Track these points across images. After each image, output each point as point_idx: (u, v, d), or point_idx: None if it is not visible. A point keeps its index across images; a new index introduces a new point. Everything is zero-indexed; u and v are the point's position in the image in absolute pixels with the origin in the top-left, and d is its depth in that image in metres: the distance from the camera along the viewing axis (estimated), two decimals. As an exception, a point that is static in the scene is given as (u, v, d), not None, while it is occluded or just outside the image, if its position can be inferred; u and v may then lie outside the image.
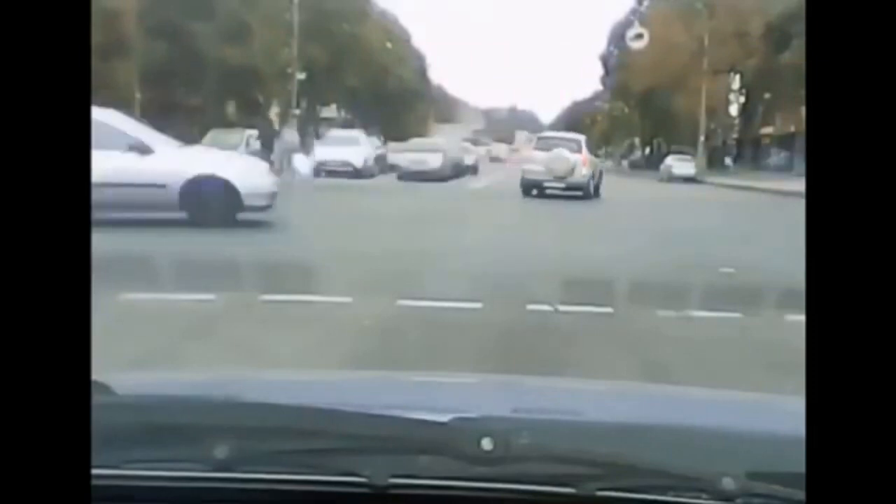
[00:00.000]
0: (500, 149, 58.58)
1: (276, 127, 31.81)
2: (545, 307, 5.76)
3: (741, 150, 51.11)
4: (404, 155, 28.40)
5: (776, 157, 45.96)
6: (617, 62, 54.20)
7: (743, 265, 8.03)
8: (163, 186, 10.39)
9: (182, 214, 10.45)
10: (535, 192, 19.89)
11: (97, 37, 15.17)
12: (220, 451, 0.89)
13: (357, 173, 26.06)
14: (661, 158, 41.96)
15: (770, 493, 0.88)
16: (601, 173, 22.41)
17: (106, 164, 7.65)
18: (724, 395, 1.60)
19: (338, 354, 4.61)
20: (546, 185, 19.89)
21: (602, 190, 21.16)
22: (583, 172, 19.84)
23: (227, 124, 34.60)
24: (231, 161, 12.09)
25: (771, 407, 1.39)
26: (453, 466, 0.89)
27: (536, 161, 20.11)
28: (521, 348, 4.88)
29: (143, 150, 10.50)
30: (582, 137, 22.15)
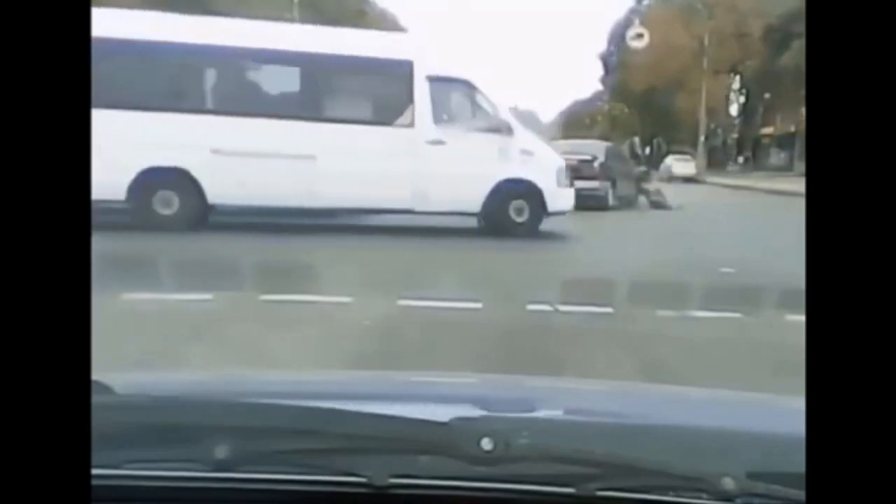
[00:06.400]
0: None
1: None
2: (545, 307, 5.76)
3: (741, 150, 51.07)
4: None
5: (776, 157, 45.95)
6: (617, 62, 54.05)
7: (743, 265, 8.02)
8: None
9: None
10: None
11: (97, 37, 15.15)
12: (220, 451, 0.89)
13: None
14: (661, 158, 41.92)
15: (770, 493, 0.88)
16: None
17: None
18: (724, 395, 1.60)
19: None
20: None
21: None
22: None
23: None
24: None
25: (771, 407, 1.39)
26: (453, 466, 0.89)
27: None
28: (522, 348, 4.88)
29: None
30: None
